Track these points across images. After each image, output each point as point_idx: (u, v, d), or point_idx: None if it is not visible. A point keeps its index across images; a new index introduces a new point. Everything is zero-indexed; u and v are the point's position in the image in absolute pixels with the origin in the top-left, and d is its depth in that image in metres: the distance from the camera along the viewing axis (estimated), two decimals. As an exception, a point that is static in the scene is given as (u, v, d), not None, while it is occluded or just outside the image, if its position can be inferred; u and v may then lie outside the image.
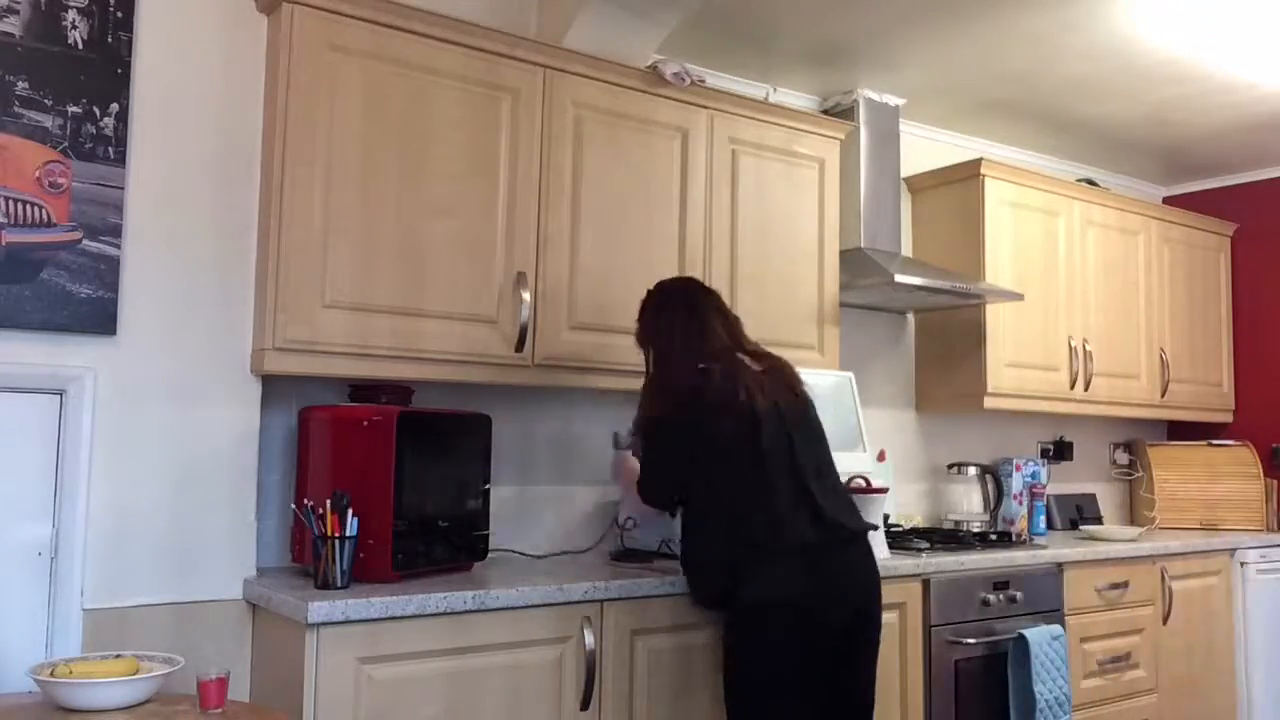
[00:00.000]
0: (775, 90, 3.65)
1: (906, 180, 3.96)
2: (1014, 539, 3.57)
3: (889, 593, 2.86)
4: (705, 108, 3.01)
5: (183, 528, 2.24)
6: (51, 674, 1.85)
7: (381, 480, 2.27)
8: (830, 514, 2.30)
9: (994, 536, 3.54)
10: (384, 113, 2.43)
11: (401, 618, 2.09)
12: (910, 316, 4.04)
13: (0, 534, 2.05)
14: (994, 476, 3.89)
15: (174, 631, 2.19)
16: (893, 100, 3.75)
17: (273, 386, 2.44)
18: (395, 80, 2.45)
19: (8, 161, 2.08)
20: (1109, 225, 4.23)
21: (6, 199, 2.07)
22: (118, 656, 1.96)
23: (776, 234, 3.15)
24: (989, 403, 3.76)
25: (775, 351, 3.11)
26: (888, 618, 2.86)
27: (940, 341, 3.94)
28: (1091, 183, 4.38)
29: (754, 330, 3.05)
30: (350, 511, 2.20)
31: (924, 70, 3.55)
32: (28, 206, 2.09)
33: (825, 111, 3.66)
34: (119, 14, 2.21)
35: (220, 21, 2.36)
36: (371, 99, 2.41)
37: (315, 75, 2.34)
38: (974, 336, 3.78)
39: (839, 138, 3.35)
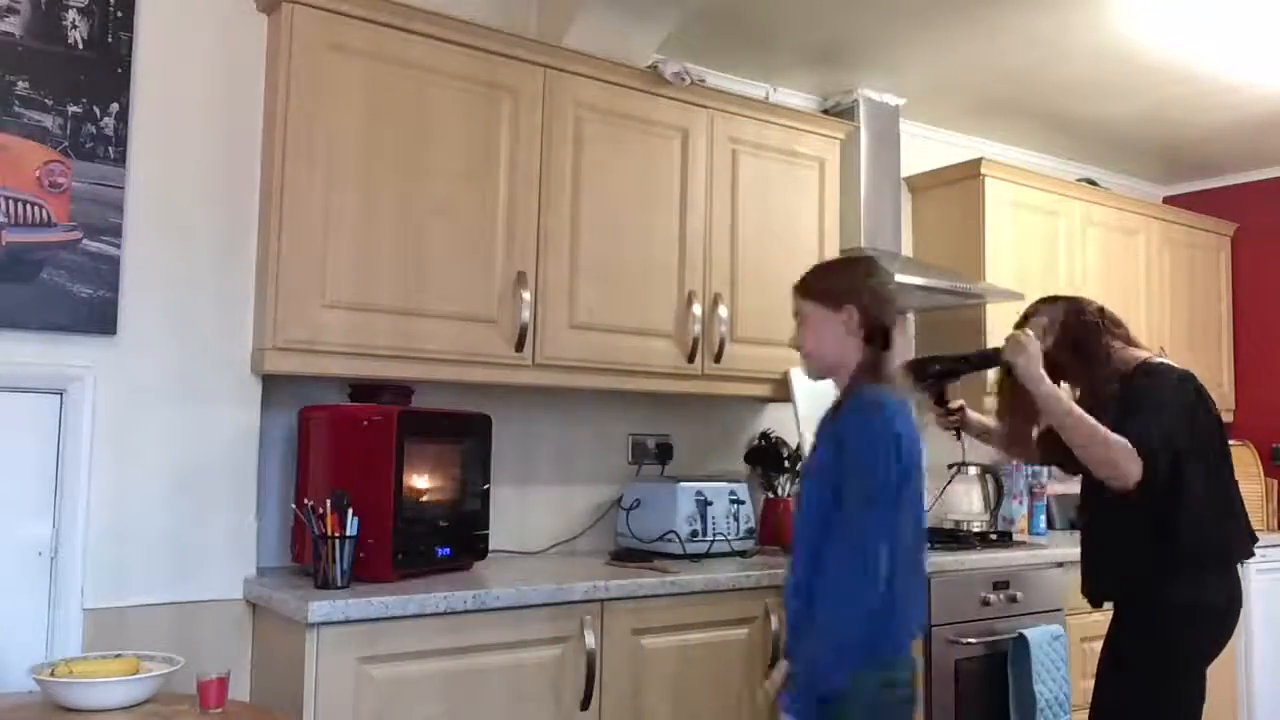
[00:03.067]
0: (775, 90, 3.65)
1: (906, 180, 3.96)
2: (1014, 539, 3.57)
3: (889, 593, 2.87)
4: (705, 107, 3.01)
5: (183, 527, 2.24)
6: (52, 673, 1.85)
7: (381, 480, 2.27)
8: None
9: (994, 536, 3.54)
10: (384, 112, 2.43)
11: (401, 617, 2.09)
12: (910, 316, 4.03)
13: (1, 533, 2.06)
14: (994, 476, 3.88)
15: (174, 631, 2.19)
16: (893, 100, 3.75)
17: (273, 386, 2.44)
18: (395, 80, 2.45)
19: (8, 161, 2.08)
20: (1109, 225, 4.23)
21: (6, 199, 2.07)
22: (118, 656, 1.96)
23: (776, 234, 3.15)
24: (989, 402, 3.75)
25: (776, 351, 3.12)
26: (888, 618, 2.87)
27: (940, 341, 3.93)
28: (1092, 182, 4.38)
29: (755, 330, 3.07)
30: (350, 511, 2.20)
31: (924, 70, 3.55)
32: (28, 206, 2.09)
33: (825, 111, 3.66)
34: (119, 14, 2.21)
35: (220, 21, 2.35)
36: (371, 98, 2.41)
37: (315, 75, 2.34)
38: (974, 336, 3.78)
39: (839, 138, 3.35)
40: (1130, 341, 2.58)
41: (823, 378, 2.05)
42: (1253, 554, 2.61)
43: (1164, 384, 2.45)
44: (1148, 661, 2.42)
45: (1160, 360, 2.54)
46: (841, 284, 2.04)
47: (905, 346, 2.09)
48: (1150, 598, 2.42)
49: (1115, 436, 2.33)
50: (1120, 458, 2.32)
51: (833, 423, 1.94)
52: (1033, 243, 3.94)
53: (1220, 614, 2.43)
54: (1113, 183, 4.66)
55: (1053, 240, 4.02)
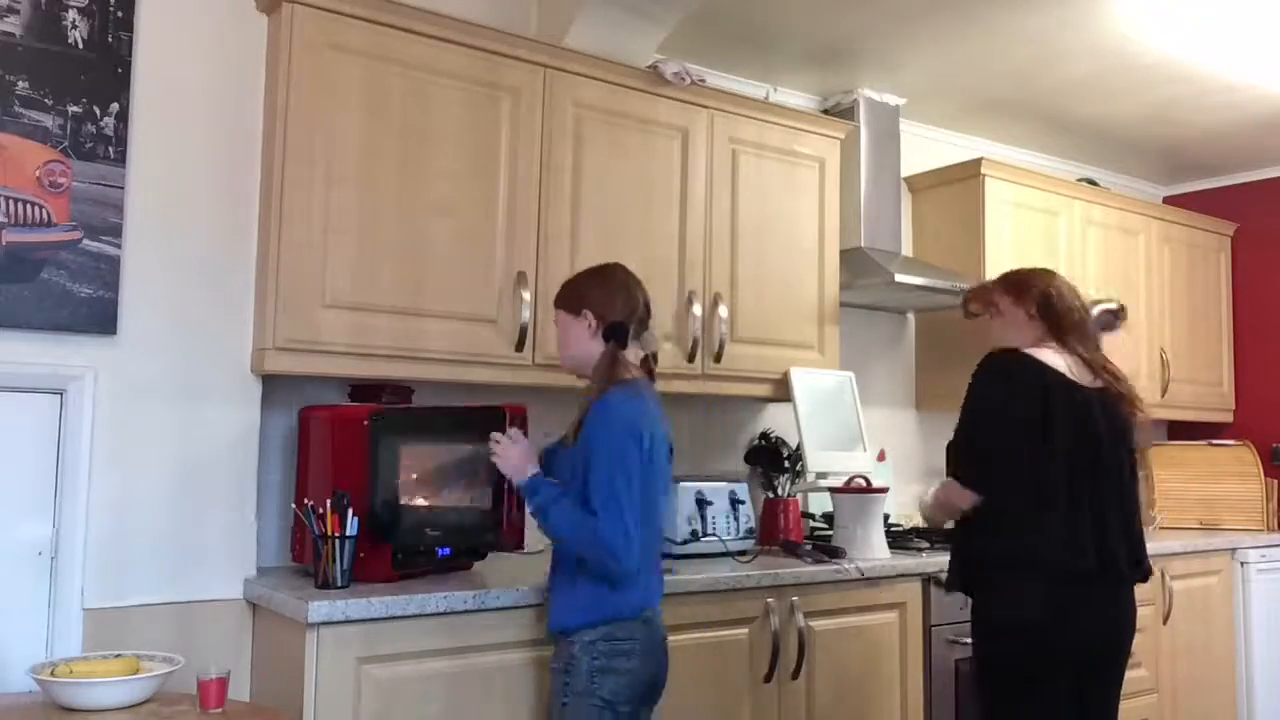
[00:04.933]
0: (775, 90, 3.64)
1: (906, 180, 3.96)
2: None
3: (889, 593, 2.87)
4: (705, 107, 3.01)
5: (183, 527, 2.24)
6: (52, 673, 1.85)
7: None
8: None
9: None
10: (384, 112, 2.43)
11: (401, 617, 2.09)
12: (910, 316, 4.03)
13: (1, 533, 2.06)
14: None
15: (174, 631, 2.19)
16: (893, 100, 3.75)
17: (273, 386, 2.44)
18: (395, 80, 2.45)
19: (8, 161, 2.08)
20: (1109, 225, 4.23)
21: (7, 199, 2.07)
22: (118, 656, 1.96)
23: (776, 234, 3.15)
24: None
25: (776, 351, 3.13)
26: (887, 617, 2.87)
27: (940, 341, 3.94)
28: (1092, 183, 4.38)
29: (755, 330, 3.07)
30: (350, 511, 2.20)
31: (924, 70, 3.55)
32: (28, 206, 2.09)
33: (825, 111, 3.66)
34: (119, 14, 2.21)
35: (220, 21, 2.35)
36: (372, 98, 2.41)
37: (315, 75, 2.34)
38: (974, 336, 3.77)
39: (839, 138, 3.35)
40: (1059, 334, 2.37)
41: (579, 375, 2.23)
42: (1121, 572, 2.31)
43: (980, 381, 2.33)
44: (978, 675, 2.37)
45: (1012, 352, 2.35)
46: (579, 290, 2.24)
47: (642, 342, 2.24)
48: (973, 602, 2.36)
49: (941, 487, 2.41)
50: (952, 499, 2.36)
51: (581, 420, 2.11)
52: (1033, 243, 3.94)
53: (1037, 628, 2.21)
54: (1113, 183, 4.66)
55: (1053, 240, 4.01)
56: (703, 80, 2.99)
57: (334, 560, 2.17)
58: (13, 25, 2.10)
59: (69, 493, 2.11)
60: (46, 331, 2.10)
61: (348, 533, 2.19)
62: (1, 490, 2.06)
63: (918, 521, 3.84)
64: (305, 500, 2.26)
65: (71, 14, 2.16)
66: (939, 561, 2.98)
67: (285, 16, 2.32)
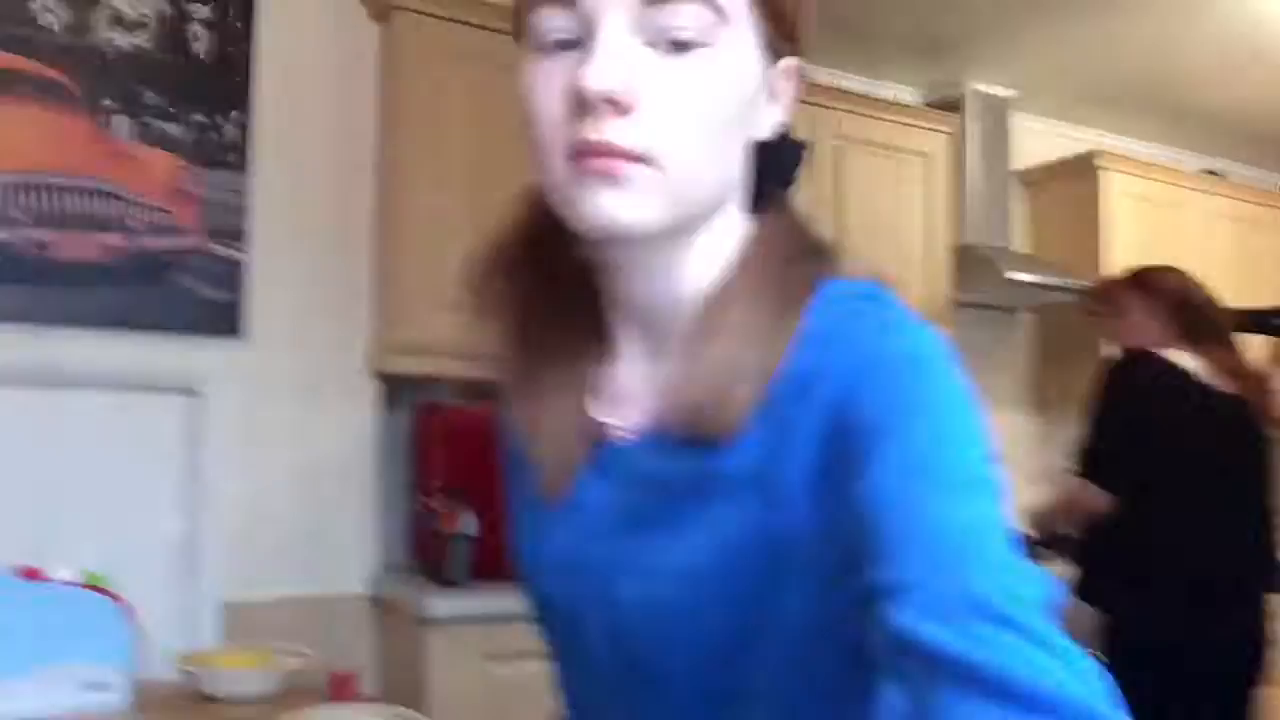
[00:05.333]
0: (879, 84, 3.58)
1: (1019, 174, 3.83)
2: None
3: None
4: (809, 103, 2.96)
5: (309, 523, 2.28)
6: (194, 663, 1.88)
7: (500, 479, 2.26)
8: None
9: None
10: (494, 116, 2.43)
11: (522, 616, 2.07)
12: (1023, 314, 3.90)
13: (141, 529, 2.11)
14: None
15: (302, 624, 2.21)
16: (1003, 92, 3.64)
17: (392, 386, 2.46)
18: (504, 84, 2.46)
19: (137, 169, 2.15)
20: (1237, 218, 4.02)
21: (137, 205, 2.14)
22: (253, 648, 1.99)
23: (882, 231, 3.07)
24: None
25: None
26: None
27: (1055, 339, 3.80)
28: (1216, 174, 4.18)
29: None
30: (470, 510, 2.19)
31: (1037, 61, 3.43)
32: (157, 213, 2.16)
33: (931, 105, 3.57)
34: (238, 25, 2.28)
35: (334, 30, 2.41)
36: (483, 101, 2.42)
37: (426, 80, 2.37)
38: (1092, 333, 3.63)
39: (947, 131, 3.26)
40: (1190, 334, 2.24)
41: None
42: (1252, 584, 2.18)
43: (1110, 382, 2.20)
44: None
45: (1143, 353, 2.22)
46: None
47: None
48: (1105, 620, 2.14)
49: (1073, 489, 2.25)
50: (1084, 501, 2.21)
51: None
52: (1155, 238, 3.76)
53: (1171, 649, 2.06)
54: (1239, 173, 4.44)
55: (1176, 234, 3.83)
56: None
57: (454, 558, 2.17)
58: (141, 38, 2.18)
59: (203, 490, 2.16)
60: (178, 333, 2.17)
61: (468, 531, 2.19)
62: (143, 487, 2.12)
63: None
64: (425, 499, 2.27)
65: (194, 26, 2.23)
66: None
67: (396, 24, 2.36)
